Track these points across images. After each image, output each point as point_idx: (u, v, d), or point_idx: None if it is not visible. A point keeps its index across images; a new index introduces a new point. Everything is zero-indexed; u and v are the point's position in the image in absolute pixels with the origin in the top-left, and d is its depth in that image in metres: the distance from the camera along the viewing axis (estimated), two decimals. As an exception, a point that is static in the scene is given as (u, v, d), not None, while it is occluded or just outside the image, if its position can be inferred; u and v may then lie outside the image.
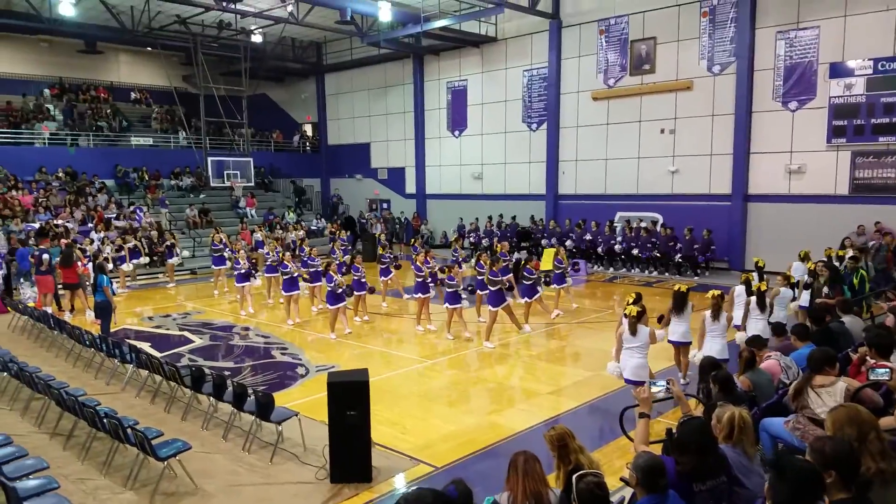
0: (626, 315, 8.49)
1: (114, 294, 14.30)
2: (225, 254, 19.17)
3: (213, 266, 19.78)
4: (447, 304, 13.53)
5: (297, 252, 18.03)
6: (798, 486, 3.38)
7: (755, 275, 12.06)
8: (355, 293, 14.80)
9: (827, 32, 18.70)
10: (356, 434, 6.97)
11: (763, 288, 9.95)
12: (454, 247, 19.10)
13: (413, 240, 23.29)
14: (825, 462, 3.51)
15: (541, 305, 14.36)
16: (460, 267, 15.82)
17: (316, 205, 34.11)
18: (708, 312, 9.08)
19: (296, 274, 15.47)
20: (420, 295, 14.21)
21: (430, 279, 14.48)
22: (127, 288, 19.73)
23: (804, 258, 13.35)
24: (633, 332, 8.36)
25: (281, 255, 16.42)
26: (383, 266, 17.23)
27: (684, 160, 21.82)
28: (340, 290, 13.60)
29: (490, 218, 25.93)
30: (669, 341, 9.80)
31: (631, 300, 8.90)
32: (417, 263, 14.52)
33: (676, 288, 9.80)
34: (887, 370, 5.44)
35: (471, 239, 26.00)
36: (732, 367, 7.36)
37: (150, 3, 23.48)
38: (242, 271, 16.40)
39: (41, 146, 26.69)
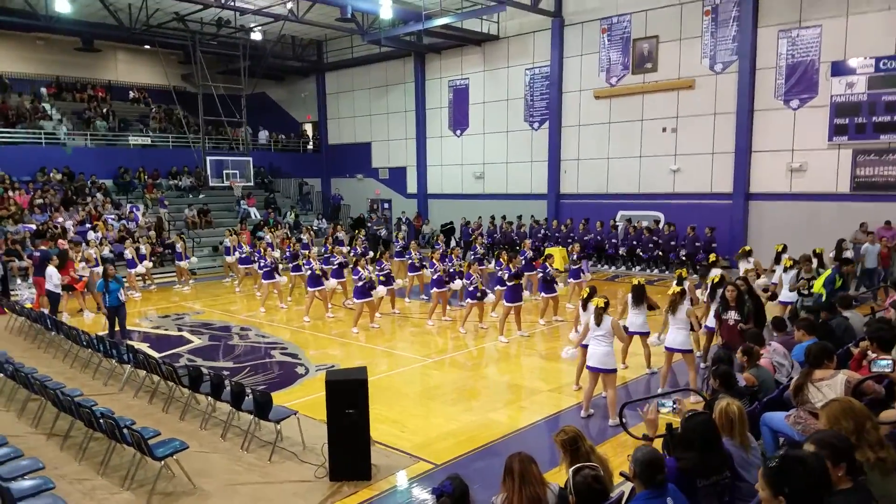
0: (594, 307, 8.81)
1: (118, 301, 13.91)
2: (246, 253, 19.83)
3: (239, 266, 20.35)
4: (467, 300, 14.08)
5: (322, 251, 18.66)
6: (807, 488, 3.26)
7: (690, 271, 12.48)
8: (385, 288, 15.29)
9: (829, 31, 18.64)
10: (355, 432, 6.92)
11: (715, 280, 10.49)
12: (473, 245, 19.57)
13: (438, 239, 22.75)
14: (838, 455, 3.49)
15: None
16: (481, 265, 15.91)
17: (317, 205, 34.00)
18: (666, 307, 9.58)
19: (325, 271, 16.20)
20: (436, 290, 14.82)
21: (446, 276, 15.03)
22: (140, 290, 19.55)
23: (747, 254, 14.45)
24: (599, 322, 8.58)
25: (307, 253, 16.66)
26: (412, 263, 17.53)
27: (686, 159, 21.74)
28: (367, 286, 14.03)
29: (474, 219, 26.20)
30: (628, 332, 10.36)
31: (585, 295, 9.82)
32: (434, 261, 15.33)
33: (635, 282, 10.41)
34: (889, 361, 5.42)
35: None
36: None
37: (147, 0, 23.40)
38: (269, 269, 16.95)
39: (38, 146, 26.45)
